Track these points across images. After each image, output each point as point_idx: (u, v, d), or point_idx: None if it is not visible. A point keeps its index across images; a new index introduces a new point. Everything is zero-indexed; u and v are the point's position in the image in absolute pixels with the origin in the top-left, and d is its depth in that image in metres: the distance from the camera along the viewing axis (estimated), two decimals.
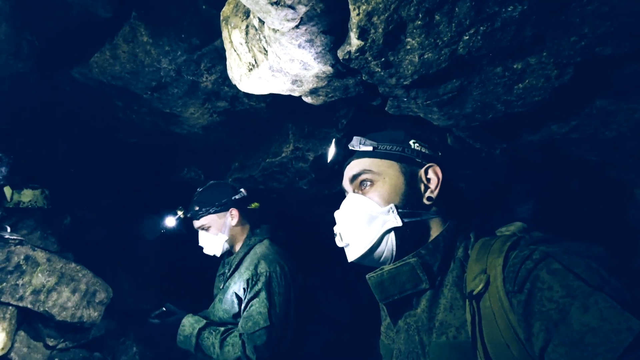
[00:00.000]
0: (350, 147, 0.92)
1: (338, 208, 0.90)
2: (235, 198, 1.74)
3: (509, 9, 0.78)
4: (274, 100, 1.91)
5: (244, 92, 1.81)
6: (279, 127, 2.14)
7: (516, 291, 0.61)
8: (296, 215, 2.76)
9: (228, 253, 1.80)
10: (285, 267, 1.61)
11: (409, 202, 0.83)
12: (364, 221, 0.83)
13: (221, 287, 1.73)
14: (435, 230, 0.83)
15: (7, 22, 1.44)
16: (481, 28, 0.83)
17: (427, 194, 0.84)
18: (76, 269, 2.10)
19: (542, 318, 0.57)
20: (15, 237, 1.82)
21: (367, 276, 0.84)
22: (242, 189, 1.80)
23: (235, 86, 1.72)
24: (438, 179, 0.84)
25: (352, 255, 0.84)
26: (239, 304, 1.61)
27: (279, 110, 2.01)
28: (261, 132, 2.15)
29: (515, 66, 0.96)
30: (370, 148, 0.89)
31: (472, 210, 0.90)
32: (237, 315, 1.61)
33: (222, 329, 1.58)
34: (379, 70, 0.97)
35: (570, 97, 1.08)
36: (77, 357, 2.08)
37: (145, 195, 2.65)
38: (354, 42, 0.89)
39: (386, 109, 1.28)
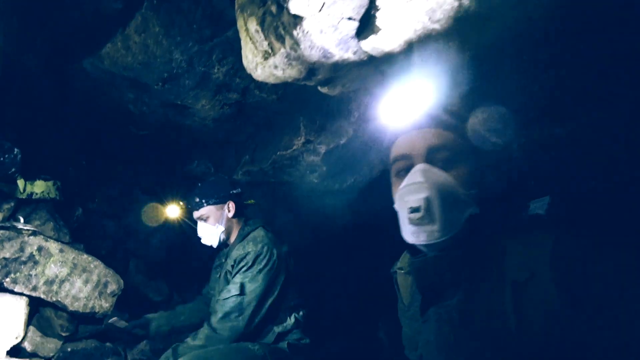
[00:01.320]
0: (431, 113, 0.83)
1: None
2: (233, 192, 1.84)
3: None
4: (285, 92, 1.89)
5: (255, 84, 1.79)
6: (290, 119, 2.12)
7: (565, 278, 0.63)
8: (305, 209, 2.74)
9: (224, 245, 1.86)
10: (274, 250, 1.69)
11: (482, 191, 0.80)
12: (453, 202, 0.76)
13: (218, 277, 1.84)
14: (482, 221, 0.80)
15: (19, 17, 1.43)
16: None
17: (493, 185, 0.83)
18: (88, 260, 2.11)
19: (585, 305, 0.59)
20: (28, 228, 1.83)
21: (410, 259, 0.82)
22: (239, 185, 1.95)
23: (246, 78, 1.71)
24: (502, 174, 0.85)
25: (434, 236, 0.75)
26: (228, 281, 1.72)
27: (291, 103, 1.98)
28: (272, 125, 2.13)
29: None
30: (454, 121, 0.82)
31: (500, 205, 0.87)
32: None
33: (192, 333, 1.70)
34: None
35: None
36: (89, 347, 2.10)
37: (156, 188, 2.65)
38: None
39: None
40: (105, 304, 2.13)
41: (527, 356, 0.63)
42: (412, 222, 0.77)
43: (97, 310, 2.09)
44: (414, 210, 0.76)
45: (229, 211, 1.82)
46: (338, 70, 1.12)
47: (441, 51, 0.90)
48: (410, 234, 0.79)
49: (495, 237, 0.79)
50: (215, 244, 1.86)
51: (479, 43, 0.89)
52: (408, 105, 0.86)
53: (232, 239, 1.86)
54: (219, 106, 1.87)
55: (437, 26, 0.85)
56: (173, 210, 2.48)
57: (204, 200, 1.81)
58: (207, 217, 1.82)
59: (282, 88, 1.79)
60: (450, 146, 0.79)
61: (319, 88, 1.28)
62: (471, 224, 0.76)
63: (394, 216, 0.89)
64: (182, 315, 1.98)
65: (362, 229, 2.69)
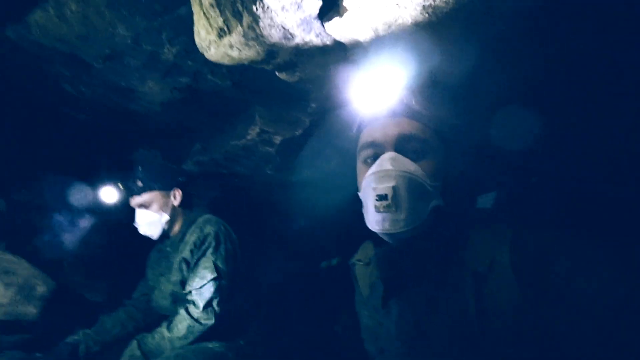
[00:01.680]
0: (405, 102, 0.83)
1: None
2: (180, 179, 1.77)
3: None
4: (241, 78, 1.82)
5: (208, 68, 1.70)
6: (245, 108, 2.05)
7: (526, 266, 0.66)
8: (259, 201, 2.68)
9: (162, 237, 1.76)
10: (230, 229, 1.68)
11: (447, 185, 0.82)
12: (419, 193, 0.77)
13: (162, 267, 1.75)
14: (446, 213, 0.83)
15: None
16: None
17: (456, 179, 0.85)
18: (10, 260, 1.88)
19: (545, 290, 0.63)
20: None
21: (375, 249, 0.82)
22: (185, 176, 1.89)
23: (199, 60, 1.62)
24: (463, 168, 0.87)
25: (399, 225, 0.75)
26: (187, 269, 1.63)
27: (246, 90, 1.91)
28: (226, 113, 2.05)
29: None
30: (426, 112, 0.83)
31: (459, 199, 0.91)
32: (184, 282, 1.64)
33: (163, 322, 1.57)
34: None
35: None
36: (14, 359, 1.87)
37: (96, 178, 2.43)
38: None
39: None
40: (32, 310, 1.91)
41: (489, 344, 0.65)
42: (378, 210, 0.77)
43: (23, 317, 1.87)
44: (381, 197, 0.75)
45: (174, 199, 1.71)
46: (299, 55, 1.09)
47: (411, 39, 0.90)
48: (375, 222, 0.79)
49: (457, 229, 0.81)
50: (156, 235, 1.73)
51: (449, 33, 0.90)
52: (377, 94, 0.86)
53: (176, 229, 1.75)
54: (169, 90, 1.75)
55: (405, 14, 0.86)
56: (110, 194, 2.20)
57: (148, 185, 1.68)
58: (150, 204, 1.69)
59: (238, 73, 1.72)
60: (420, 137, 0.80)
61: (277, 73, 1.24)
62: (435, 215, 0.78)
63: (351, 209, 0.89)
64: (113, 328, 1.78)
65: (318, 221, 2.69)
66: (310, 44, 1.01)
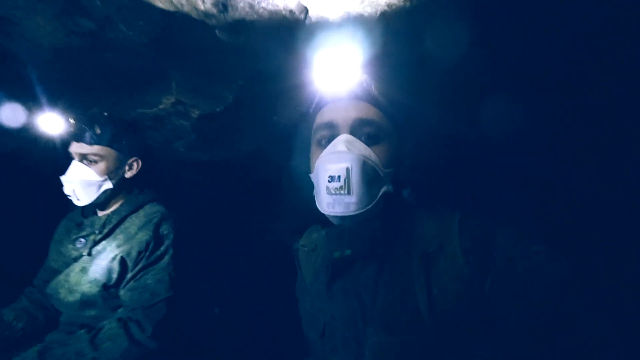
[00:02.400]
0: (364, 86, 0.81)
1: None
2: (143, 149, 1.50)
3: None
4: (161, 36, 1.59)
5: (122, 16, 1.46)
6: (161, 73, 1.82)
7: (472, 248, 0.70)
8: (168, 182, 2.42)
9: (87, 209, 1.42)
10: (184, 234, 1.41)
11: (397, 171, 0.83)
12: (372, 177, 0.77)
13: (84, 253, 1.34)
14: (395, 199, 0.84)
15: None
16: None
17: (402, 167, 0.86)
18: None
19: (489, 269, 0.67)
20: None
21: (325, 230, 0.79)
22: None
23: (112, 3, 1.38)
24: (412, 155, 0.89)
25: (351, 208, 0.76)
26: (122, 272, 1.29)
27: (164, 52, 1.70)
28: (137, 75, 1.78)
29: None
30: (383, 99, 0.83)
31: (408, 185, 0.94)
32: (111, 287, 1.28)
33: (80, 332, 1.18)
34: None
35: None
36: None
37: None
38: None
39: None
40: None
41: (438, 323, 0.67)
42: (330, 191, 0.76)
43: None
44: (333, 179, 0.75)
45: (129, 169, 1.41)
46: (255, 14, 0.99)
47: (382, 20, 0.90)
48: (327, 204, 0.78)
49: (405, 213, 0.84)
50: (85, 202, 1.34)
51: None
52: (336, 75, 0.84)
53: (112, 207, 1.42)
54: (64, 33, 1.45)
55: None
56: (52, 124, 1.55)
57: (106, 137, 1.34)
58: (98, 161, 1.34)
59: (159, 29, 1.51)
60: (376, 122, 0.81)
61: (217, 32, 1.12)
62: (384, 201, 0.80)
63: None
64: (17, 320, 1.36)
65: (235, 205, 2.55)
66: (273, 6, 0.93)
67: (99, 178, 1.33)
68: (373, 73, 0.88)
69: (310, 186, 0.87)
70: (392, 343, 0.70)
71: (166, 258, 1.30)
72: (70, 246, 1.39)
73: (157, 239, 1.33)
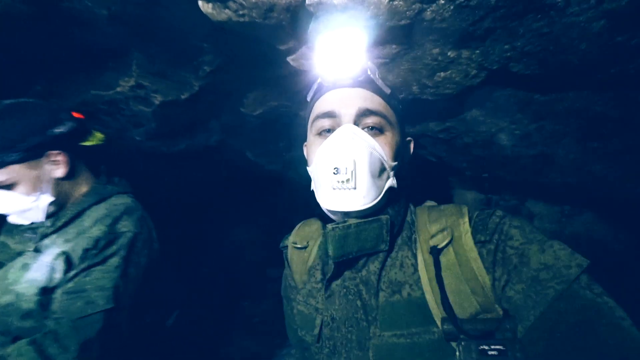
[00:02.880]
0: (369, 74, 0.77)
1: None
2: (56, 132, 1.08)
3: None
4: (123, 10, 1.45)
5: None
6: (121, 52, 1.65)
7: (487, 241, 0.68)
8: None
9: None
10: (154, 234, 1.18)
11: (400, 165, 0.79)
12: (378, 170, 0.73)
13: (30, 248, 1.11)
14: (397, 194, 0.81)
15: None
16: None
17: (406, 161, 0.85)
18: None
19: (504, 264, 0.64)
20: None
21: (330, 227, 0.72)
22: (69, 114, 1.16)
23: None
24: (411, 151, 0.87)
25: (358, 203, 0.71)
26: (66, 271, 1.05)
27: (126, 28, 1.54)
28: (92, 51, 1.60)
29: (449, 53, 1.05)
30: (387, 90, 0.78)
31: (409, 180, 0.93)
32: (50, 291, 1.04)
33: None
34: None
35: (461, 101, 1.28)
36: None
37: None
38: None
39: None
40: None
41: (450, 322, 0.64)
42: (334, 185, 0.71)
43: None
44: (339, 171, 0.70)
45: (56, 168, 1.09)
46: None
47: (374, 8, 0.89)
48: (330, 199, 0.73)
49: (407, 209, 0.82)
50: (39, 219, 1.11)
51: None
52: (340, 60, 0.79)
53: (75, 196, 1.17)
54: None
55: None
56: None
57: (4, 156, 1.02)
58: (14, 185, 1.05)
59: (119, 3, 1.36)
60: (381, 113, 0.77)
61: (202, 4, 1.03)
62: (388, 196, 0.76)
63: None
64: None
65: (196, 199, 2.39)
66: None
67: (27, 197, 1.06)
68: (378, 59, 0.86)
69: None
70: (398, 343, 0.67)
71: (114, 260, 1.05)
72: (18, 237, 1.15)
73: (110, 235, 1.08)
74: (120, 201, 1.17)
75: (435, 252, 0.70)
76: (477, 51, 1.03)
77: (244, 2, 0.99)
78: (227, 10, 1.02)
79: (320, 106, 0.80)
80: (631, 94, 1.16)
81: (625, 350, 0.52)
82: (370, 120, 0.76)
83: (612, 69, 1.01)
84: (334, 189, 0.72)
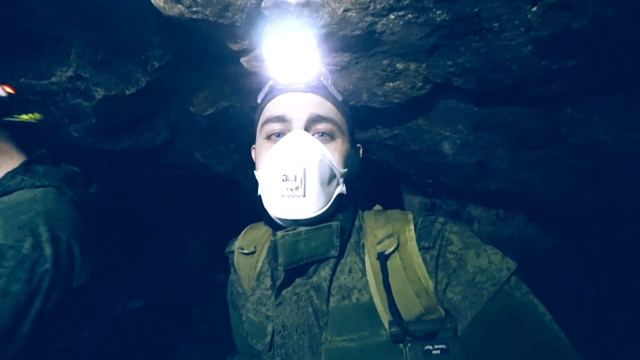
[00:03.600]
0: (321, 80, 0.76)
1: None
2: None
3: (438, 12, 0.90)
4: None
5: None
6: (57, 38, 1.52)
7: (430, 247, 0.71)
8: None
9: None
10: (46, 248, 0.86)
11: (349, 172, 0.81)
12: (328, 177, 0.73)
13: None
14: (346, 199, 0.82)
15: None
16: (409, 15, 0.91)
17: (354, 168, 0.85)
18: None
19: (445, 268, 0.68)
20: None
21: (279, 234, 0.71)
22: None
23: None
24: (360, 157, 0.89)
25: (307, 211, 0.70)
26: None
27: (63, 14, 1.42)
28: (23, 35, 1.45)
29: (398, 65, 1.09)
30: (339, 97, 0.78)
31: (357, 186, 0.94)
32: None
33: None
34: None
35: (408, 110, 1.34)
36: None
37: None
38: None
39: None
40: None
41: (397, 325, 0.66)
42: (283, 192, 0.71)
43: None
44: (288, 178, 0.70)
45: None
46: None
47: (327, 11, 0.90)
48: (279, 206, 0.72)
49: (355, 214, 0.83)
50: None
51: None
52: (293, 64, 0.78)
53: None
54: None
55: None
56: None
57: None
58: None
59: None
60: (332, 119, 0.76)
61: None
62: (338, 202, 0.77)
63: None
64: None
65: (141, 201, 2.24)
66: None
67: None
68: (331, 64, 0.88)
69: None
70: (349, 347, 0.68)
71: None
72: None
73: None
74: (12, 198, 0.92)
75: (383, 257, 0.72)
76: (424, 65, 1.10)
77: (196, 3, 0.96)
78: (179, 6, 0.99)
79: (270, 109, 0.78)
80: (554, 111, 1.31)
81: (545, 342, 0.58)
82: (321, 127, 0.75)
83: (537, 89, 1.13)
84: (282, 196, 0.71)
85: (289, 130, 0.75)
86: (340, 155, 0.76)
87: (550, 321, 0.60)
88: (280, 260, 0.72)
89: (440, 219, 0.75)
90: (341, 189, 0.77)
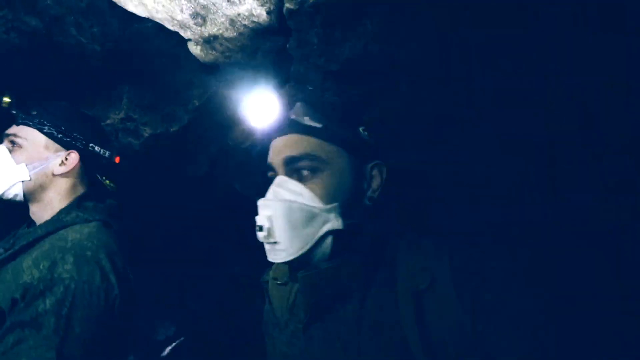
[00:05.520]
0: (293, 118, 0.77)
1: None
2: (90, 146, 1.08)
3: None
4: (115, 46, 1.49)
5: (75, 19, 1.35)
6: (111, 85, 1.68)
7: (465, 285, 0.67)
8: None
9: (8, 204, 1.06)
10: (111, 278, 0.92)
11: (352, 202, 0.76)
12: (303, 219, 0.71)
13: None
14: (369, 229, 0.78)
15: None
16: None
17: (369, 194, 0.79)
18: None
19: (482, 306, 0.64)
20: None
21: (299, 275, 0.72)
22: (106, 150, 1.15)
23: (59, 5, 1.27)
24: (382, 179, 0.80)
25: (280, 256, 0.72)
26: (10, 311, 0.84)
27: (117, 63, 1.58)
28: (83, 84, 1.62)
29: None
30: (319, 125, 0.76)
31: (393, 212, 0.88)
32: None
33: None
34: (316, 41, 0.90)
35: None
36: None
37: None
38: None
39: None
40: None
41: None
42: (261, 239, 0.74)
43: None
44: (262, 228, 0.73)
45: (61, 162, 1.04)
46: (232, 29, 0.95)
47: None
48: (267, 252, 0.75)
49: (380, 246, 0.78)
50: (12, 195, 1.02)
51: None
52: (261, 112, 0.80)
53: (41, 213, 1.05)
54: (2, 29, 1.28)
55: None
56: None
57: (39, 121, 1.02)
58: (22, 146, 1.01)
59: (113, 40, 1.41)
60: (313, 155, 0.74)
61: (190, 46, 1.07)
62: (334, 239, 0.74)
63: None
64: None
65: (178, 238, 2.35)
66: (256, 19, 0.90)
67: (14, 165, 0.99)
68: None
69: None
70: None
71: (49, 320, 0.79)
72: None
73: (44, 282, 0.83)
74: (74, 236, 0.95)
75: (417, 292, 0.69)
76: None
77: (229, 45, 1.02)
78: (215, 52, 1.06)
79: (267, 156, 0.81)
80: None
81: None
82: (300, 165, 0.75)
83: None
84: (265, 244, 0.75)
85: (275, 177, 0.78)
86: (324, 190, 0.73)
87: None
88: (306, 298, 0.72)
89: (475, 250, 0.71)
90: (333, 225, 0.73)
